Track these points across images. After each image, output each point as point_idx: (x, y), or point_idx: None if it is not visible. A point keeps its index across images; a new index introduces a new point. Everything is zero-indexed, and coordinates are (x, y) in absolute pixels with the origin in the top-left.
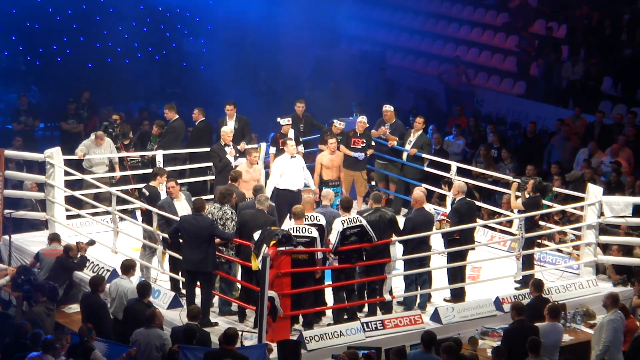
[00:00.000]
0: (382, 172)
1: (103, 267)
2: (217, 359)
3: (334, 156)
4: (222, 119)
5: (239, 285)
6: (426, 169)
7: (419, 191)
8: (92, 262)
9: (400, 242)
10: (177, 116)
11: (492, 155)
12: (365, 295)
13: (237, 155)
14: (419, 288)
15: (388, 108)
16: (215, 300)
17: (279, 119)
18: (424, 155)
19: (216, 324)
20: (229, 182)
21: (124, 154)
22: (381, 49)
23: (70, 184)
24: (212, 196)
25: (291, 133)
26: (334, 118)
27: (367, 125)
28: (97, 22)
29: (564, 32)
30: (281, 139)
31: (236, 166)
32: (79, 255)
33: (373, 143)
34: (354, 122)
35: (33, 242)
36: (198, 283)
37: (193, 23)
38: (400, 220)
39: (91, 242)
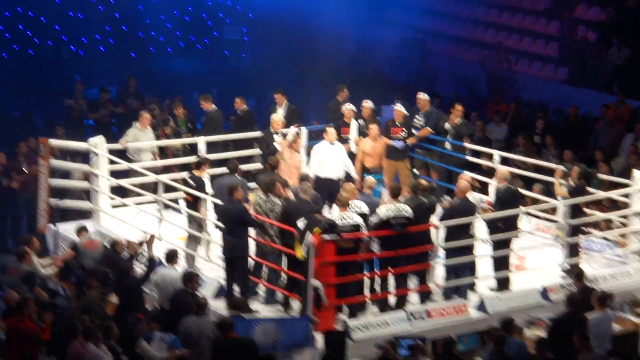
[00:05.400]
0: (422, 159)
1: (146, 256)
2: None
3: (375, 143)
4: (272, 107)
5: (283, 274)
6: (468, 157)
7: (464, 180)
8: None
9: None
10: (214, 106)
11: (536, 141)
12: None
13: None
14: (460, 277)
15: (421, 96)
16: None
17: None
18: (465, 145)
19: (255, 310)
20: (269, 169)
21: (165, 141)
22: (422, 36)
23: (115, 173)
24: (255, 184)
25: (354, 124)
26: (377, 105)
27: (406, 113)
28: (140, 12)
29: (607, 17)
30: (343, 126)
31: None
32: (128, 254)
33: (414, 131)
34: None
35: None
36: None
37: (235, 11)
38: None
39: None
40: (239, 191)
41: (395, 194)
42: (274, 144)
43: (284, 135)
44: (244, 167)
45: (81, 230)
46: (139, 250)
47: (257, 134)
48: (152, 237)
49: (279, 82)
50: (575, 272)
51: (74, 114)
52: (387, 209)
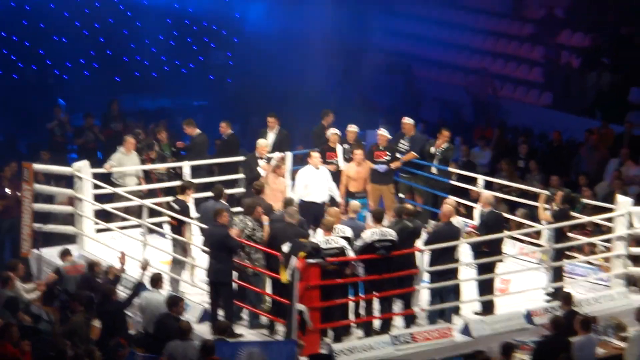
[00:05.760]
0: (407, 183)
1: (132, 281)
2: None
3: (360, 168)
4: (263, 130)
5: (268, 298)
6: (452, 182)
7: (448, 205)
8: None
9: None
10: (199, 130)
11: (520, 166)
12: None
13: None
14: (444, 301)
15: (407, 121)
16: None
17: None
18: (450, 169)
19: (240, 335)
20: (254, 194)
21: (149, 166)
22: (407, 61)
23: (99, 197)
24: (240, 208)
25: (339, 148)
26: (362, 130)
27: (390, 137)
28: (125, 36)
29: (590, 43)
30: (328, 151)
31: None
32: (108, 277)
33: (398, 155)
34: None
35: None
36: None
37: (220, 36)
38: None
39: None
40: (224, 216)
41: (378, 218)
42: (258, 168)
43: (269, 160)
44: (229, 191)
45: (65, 254)
46: (119, 274)
47: (241, 158)
48: (146, 262)
49: (264, 107)
50: (563, 296)
51: (56, 138)
52: (372, 232)
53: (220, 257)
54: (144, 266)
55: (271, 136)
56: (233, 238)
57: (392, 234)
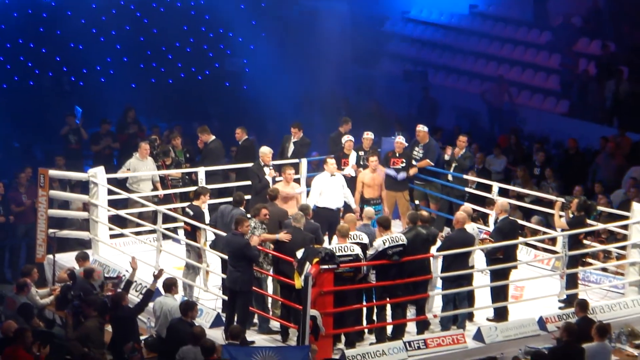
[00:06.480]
0: (421, 190)
1: (145, 286)
2: None
3: (375, 174)
4: (286, 136)
5: (279, 302)
6: (468, 189)
7: (462, 212)
8: (135, 282)
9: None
10: (213, 137)
11: (535, 173)
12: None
13: (277, 175)
14: (457, 307)
15: (421, 128)
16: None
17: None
18: (466, 177)
19: (252, 342)
20: (269, 200)
21: (165, 171)
22: (423, 68)
23: (114, 203)
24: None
25: (353, 155)
26: (377, 137)
27: (406, 144)
28: (141, 43)
29: (607, 51)
30: (343, 158)
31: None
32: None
33: (414, 162)
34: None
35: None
36: None
37: (236, 43)
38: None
39: (118, 284)
40: (245, 225)
41: (385, 226)
42: (266, 177)
43: (277, 168)
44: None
45: (82, 258)
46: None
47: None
48: (161, 271)
49: (280, 114)
50: (579, 303)
51: (71, 145)
52: (383, 240)
53: (239, 266)
54: (158, 275)
55: (293, 144)
56: (252, 247)
57: (402, 239)
